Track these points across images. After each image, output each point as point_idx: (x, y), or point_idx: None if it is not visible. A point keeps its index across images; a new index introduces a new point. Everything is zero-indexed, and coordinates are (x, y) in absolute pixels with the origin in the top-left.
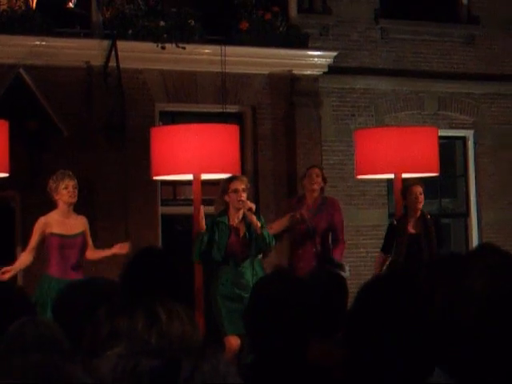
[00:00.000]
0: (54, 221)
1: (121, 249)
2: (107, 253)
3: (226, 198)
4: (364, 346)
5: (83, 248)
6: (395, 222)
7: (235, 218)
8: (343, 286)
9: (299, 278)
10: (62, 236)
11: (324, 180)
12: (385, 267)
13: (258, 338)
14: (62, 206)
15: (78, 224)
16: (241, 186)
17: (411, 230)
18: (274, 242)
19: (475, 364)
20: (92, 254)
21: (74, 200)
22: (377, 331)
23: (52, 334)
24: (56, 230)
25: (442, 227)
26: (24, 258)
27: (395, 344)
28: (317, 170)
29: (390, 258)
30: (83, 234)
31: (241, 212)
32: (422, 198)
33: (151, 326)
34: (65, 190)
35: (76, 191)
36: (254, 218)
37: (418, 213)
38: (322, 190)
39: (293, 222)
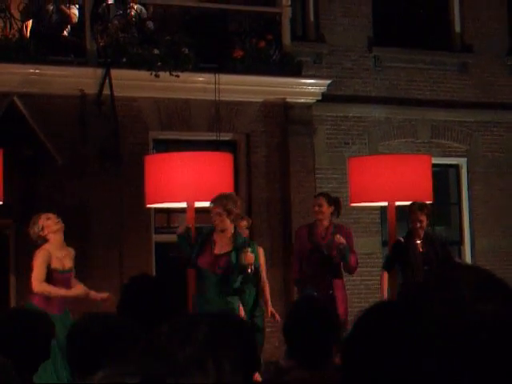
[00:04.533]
0: (53, 254)
1: (99, 296)
2: (81, 292)
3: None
4: (361, 374)
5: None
6: (402, 240)
7: (218, 235)
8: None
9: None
10: (60, 271)
11: (332, 203)
12: (397, 287)
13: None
14: (53, 238)
15: (69, 257)
16: (214, 209)
17: (419, 249)
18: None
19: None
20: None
21: (62, 225)
22: (374, 359)
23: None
24: (55, 264)
25: (448, 245)
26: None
27: (393, 371)
28: (318, 200)
29: (401, 280)
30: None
31: (226, 233)
32: (424, 224)
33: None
34: (49, 221)
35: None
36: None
37: (422, 234)
38: (334, 214)
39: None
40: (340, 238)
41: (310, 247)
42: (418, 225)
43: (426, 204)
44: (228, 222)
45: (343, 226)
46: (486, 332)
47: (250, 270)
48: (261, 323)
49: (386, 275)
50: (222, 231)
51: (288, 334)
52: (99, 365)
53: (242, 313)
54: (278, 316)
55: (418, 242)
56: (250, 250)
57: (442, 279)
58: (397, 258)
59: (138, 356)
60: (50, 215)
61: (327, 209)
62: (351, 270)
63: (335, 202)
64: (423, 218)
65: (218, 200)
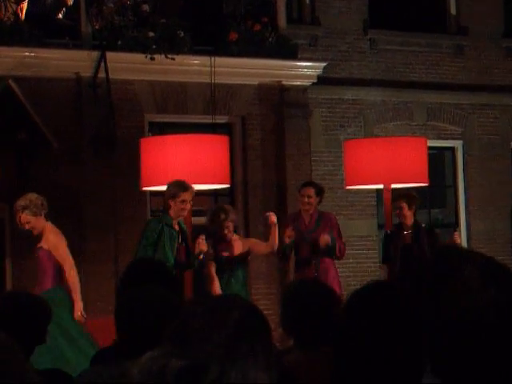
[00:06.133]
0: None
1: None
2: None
3: (171, 202)
4: (351, 355)
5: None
6: (389, 232)
7: (175, 223)
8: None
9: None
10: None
11: (320, 193)
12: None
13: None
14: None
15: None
16: (189, 197)
17: (405, 240)
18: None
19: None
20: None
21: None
22: (364, 340)
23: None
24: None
25: (438, 237)
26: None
27: (382, 352)
28: (308, 191)
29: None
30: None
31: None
32: (404, 212)
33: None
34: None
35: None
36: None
37: (408, 224)
38: (319, 202)
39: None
40: (324, 239)
41: (297, 234)
42: (398, 212)
43: (410, 193)
44: None
45: (329, 213)
46: (489, 316)
47: (201, 257)
48: None
49: (384, 267)
50: (179, 217)
51: (284, 316)
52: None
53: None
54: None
55: (405, 232)
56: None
57: (445, 263)
58: (388, 249)
59: (170, 336)
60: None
61: (315, 199)
62: (339, 258)
63: (322, 191)
64: (403, 207)
65: (188, 188)
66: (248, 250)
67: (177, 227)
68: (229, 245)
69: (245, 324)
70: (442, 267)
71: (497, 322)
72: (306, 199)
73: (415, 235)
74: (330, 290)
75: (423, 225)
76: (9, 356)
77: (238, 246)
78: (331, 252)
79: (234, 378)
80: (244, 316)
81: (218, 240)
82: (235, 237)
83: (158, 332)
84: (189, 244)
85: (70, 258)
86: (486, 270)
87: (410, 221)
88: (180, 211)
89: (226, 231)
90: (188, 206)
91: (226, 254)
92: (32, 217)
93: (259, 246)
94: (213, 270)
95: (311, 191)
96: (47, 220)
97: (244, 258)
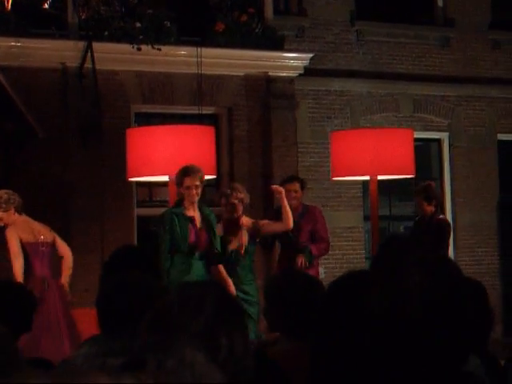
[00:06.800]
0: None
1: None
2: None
3: (181, 190)
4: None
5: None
6: (417, 219)
7: (191, 210)
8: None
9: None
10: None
11: (303, 187)
12: None
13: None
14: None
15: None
16: (193, 182)
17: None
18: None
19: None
20: None
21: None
22: (342, 329)
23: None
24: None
25: (444, 230)
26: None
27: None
28: (294, 186)
29: None
30: None
31: (196, 204)
32: (424, 206)
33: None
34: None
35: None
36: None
37: (427, 216)
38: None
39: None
40: (300, 262)
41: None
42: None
43: (428, 186)
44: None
45: (314, 206)
46: (412, 300)
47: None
48: (254, 296)
49: None
50: (193, 202)
51: (267, 311)
52: None
53: (232, 289)
54: None
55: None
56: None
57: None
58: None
59: (146, 327)
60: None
61: (301, 193)
62: (320, 257)
63: (305, 185)
64: (421, 200)
65: (194, 172)
66: (255, 233)
67: (192, 213)
68: (237, 230)
69: (222, 310)
70: (383, 254)
71: (419, 307)
72: (293, 194)
73: (427, 228)
74: (313, 279)
75: (441, 216)
76: (6, 344)
77: (246, 229)
78: (310, 261)
79: (172, 364)
80: (221, 302)
81: (228, 224)
82: (245, 219)
83: (140, 318)
84: (215, 232)
85: (17, 250)
86: (416, 256)
87: (428, 214)
88: (189, 197)
89: (231, 214)
90: (193, 191)
91: (233, 245)
92: (3, 213)
93: (273, 226)
94: (223, 271)
95: (297, 186)
96: (20, 213)
97: (253, 242)
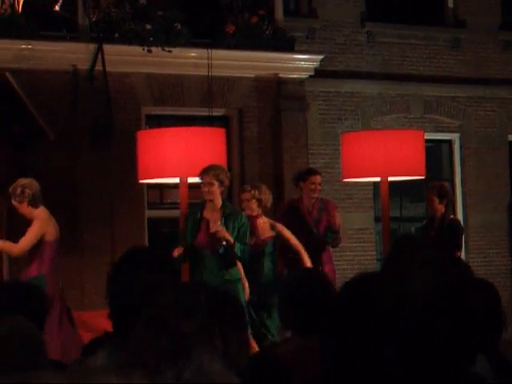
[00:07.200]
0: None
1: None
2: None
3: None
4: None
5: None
6: (424, 223)
7: (208, 210)
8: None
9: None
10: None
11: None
12: None
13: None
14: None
15: None
16: (205, 180)
17: (431, 232)
18: (244, 259)
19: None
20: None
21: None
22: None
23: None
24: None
25: (457, 230)
26: None
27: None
28: (319, 179)
29: None
30: None
31: (216, 204)
32: (435, 205)
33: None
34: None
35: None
36: (225, 234)
37: (438, 217)
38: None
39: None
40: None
41: (296, 224)
42: (429, 204)
43: (442, 185)
44: (218, 192)
45: (329, 200)
46: (423, 298)
47: (223, 243)
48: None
49: None
50: (211, 201)
51: (280, 306)
52: None
53: (247, 291)
54: None
55: (436, 225)
56: (219, 223)
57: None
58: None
59: (140, 330)
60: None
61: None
62: (334, 246)
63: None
64: (434, 198)
65: (209, 170)
66: (274, 236)
67: (208, 213)
68: (254, 227)
69: (216, 310)
70: (393, 254)
71: (427, 308)
72: (318, 187)
73: (438, 229)
74: (324, 279)
75: (451, 216)
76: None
77: (264, 229)
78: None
79: (190, 377)
80: (215, 301)
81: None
82: (263, 219)
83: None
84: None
85: (26, 243)
86: (425, 257)
87: (440, 214)
88: (203, 195)
89: (246, 211)
90: (205, 189)
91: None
92: (17, 204)
93: (288, 236)
94: (241, 270)
95: (320, 178)
96: (35, 206)
97: (271, 244)
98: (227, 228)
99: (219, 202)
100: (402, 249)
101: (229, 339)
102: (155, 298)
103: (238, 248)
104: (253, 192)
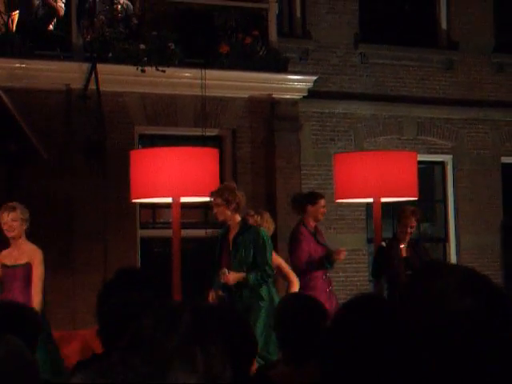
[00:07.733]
0: (5, 251)
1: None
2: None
3: None
4: (338, 367)
5: (27, 280)
6: (384, 245)
7: (232, 231)
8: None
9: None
10: (3, 266)
11: None
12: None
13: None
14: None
15: (23, 255)
16: (212, 202)
17: (403, 253)
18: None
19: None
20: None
21: (12, 234)
22: (351, 352)
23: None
24: (3, 260)
25: (428, 252)
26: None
27: (370, 365)
28: (324, 202)
29: (386, 285)
30: (26, 265)
31: (236, 225)
32: (413, 228)
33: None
34: (3, 225)
35: (15, 223)
36: (230, 278)
37: (408, 238)
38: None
39: None
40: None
41: (317, 248)
42: (409, 230)
43: (417, 209)
44: (228, 212)
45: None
46: (464, 325)
47: (222, 280)
48: None
49: (377, 284)
50: (227, 222)
51: (276, 330)
52: None
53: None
54: None
55: (402, 246)
56: (225, 271)
57: (427, 276)
58: (381, 263)
59: (122, 351)
60: (6, 218)
61: None
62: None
63: None
64: (414, 223)
65: (214, 191)
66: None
67: (231, 234)
68: None
69: (198, 327)
70: (423, 278)
71: (472, 332)
72: (325, 210)
73: (413, 249)
74: (319, 304)
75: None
76: (27, 361)
77: None
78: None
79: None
80: (198, 318)
81: None
82: None
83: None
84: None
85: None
86: (465, 280)
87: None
88: (215, 216)
89: None
90: (214, 211)
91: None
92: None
93: (285, 270)
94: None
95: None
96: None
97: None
98: (244, 244)
99: (236, 220)
100: (425, 273)
101: (211, 354)
102: (139, 318)
103: (252, 279)
104: (255, 217)
